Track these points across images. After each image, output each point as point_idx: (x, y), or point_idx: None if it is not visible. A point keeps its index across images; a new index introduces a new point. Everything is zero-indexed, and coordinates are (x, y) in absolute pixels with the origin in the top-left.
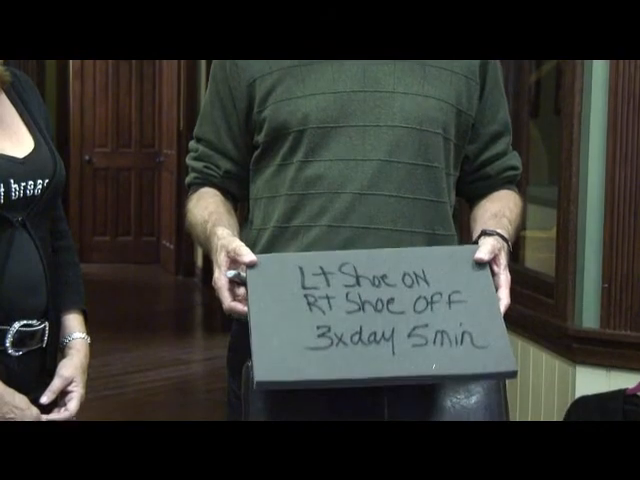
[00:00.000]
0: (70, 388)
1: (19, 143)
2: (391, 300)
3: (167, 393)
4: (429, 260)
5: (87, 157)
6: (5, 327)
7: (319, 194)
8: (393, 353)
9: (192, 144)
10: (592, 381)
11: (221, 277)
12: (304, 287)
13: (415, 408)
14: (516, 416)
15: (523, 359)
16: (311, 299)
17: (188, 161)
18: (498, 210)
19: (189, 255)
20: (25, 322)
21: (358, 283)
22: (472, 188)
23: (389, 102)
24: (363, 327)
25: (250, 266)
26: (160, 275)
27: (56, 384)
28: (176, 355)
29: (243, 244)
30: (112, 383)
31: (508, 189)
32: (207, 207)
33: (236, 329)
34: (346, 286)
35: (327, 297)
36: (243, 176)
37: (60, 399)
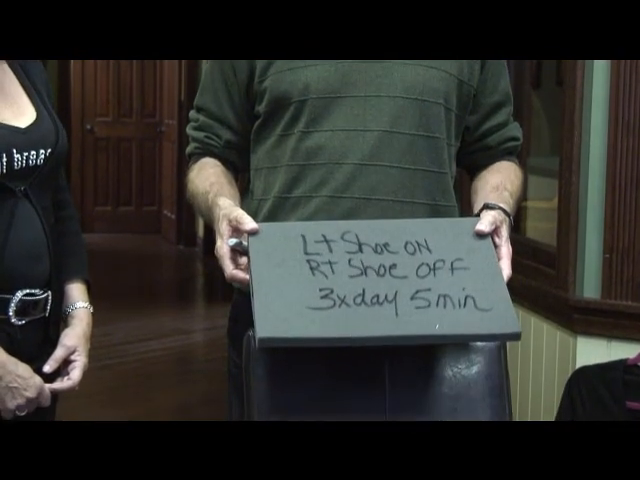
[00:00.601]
0: (73, 357)
1: (21, 113)
2: (393, 266)
3: (168, 362)
4: (431, 230)
5: (88, 126)
6: (8, 296)
7: (320, 165)
8: (396, 314)
9: (192, 114)
10: (593, 351)
11: (223, 246)
12: (306, 253)
13: (416, 378)
14: (516, 386)
15: (524, 329)
16: (314, 264)
17: (189, 131)
18: (499, 183)
19: (190, 225)
20: (28, 291)
21: (360, 250)
22: (472, 159)
23: (390, 72)
24: (366, 290)
25: (252, 234)
26: (161, 245)
27: (59, 353)
28: (177, 325)
29: (245, 213)
30: (113, 352)
31: (508, 160)
32: (208, 178)
33: (237, 299)
34: (348, 253)
35: (329, 262)
36: (244, 146)
37: (63, 368)
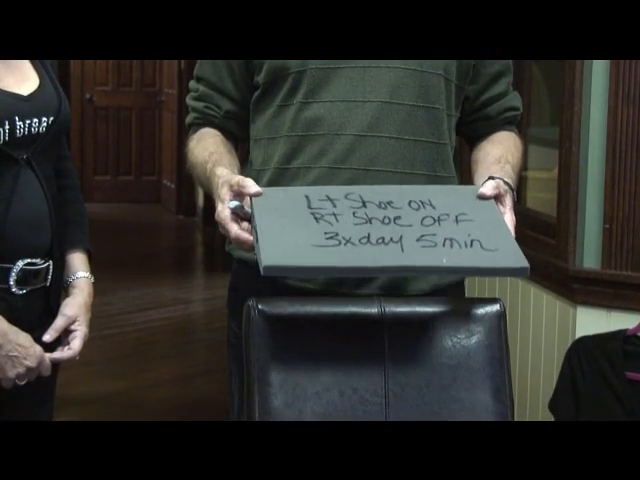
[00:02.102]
0: (73, 327)
1: (23, 80)
2: (398, 217)
3: (168, 332)
4: (434, 192)
5: (88, 96)
6: (9, 265)
7: (319, 135)
8: (402, 250)
9: (192, 84)
10: (592, 322)
11: (224, 209)
12: (310, 207)
13: (415, 347)
14: (516, 356)
15: (524, 299)
16: (318, 215)
17: (188, 101)
18: (501, 155)
19: (190, 195)
20: (29, 260)
21: (364, 206)
22: (472, 128)
23: None
24: (371, 233)
25: (255, 196)
26: (161, 215)
27: (59, 323)
28: (177, 294)
29: (246, 177)
30: (113, 322)
31: (508, 130)
32: (207, 147)
33: (236, 269)
34: (352, 208)
35: (334, 214)
36: (243, 116)
37: (64, 338)
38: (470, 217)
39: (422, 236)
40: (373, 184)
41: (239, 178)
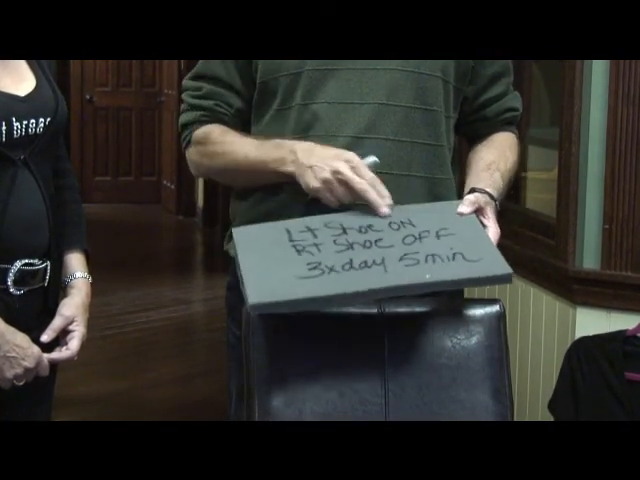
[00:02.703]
0: (71, 327)
1: (20, 81)
2: (379, 240)
3: (168, 332)
4: (413, 211)
5: (88, 96)
6: (7, 266)
7: (316, 137)
8: (385, 271)
9: (190, 83)
10: (592, 322)
11: (362, 166)
12: (291, 240)
13: (415, 347)
14: (516, 357)
15: (523, 300)
16: (299, 247)
17: (190, 100)
18: (492, 161)
19: (190, 195)
20: (27, 261)
21: (345, 232)
22: (471, 129)
23: None
24: (353, 259)
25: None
26: (161, 215)
27: (57, 323)
28: (177, 295)
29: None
30: (113, 323)
31: (507, 131)
32: (245, 137)
33: (234, 268)
34: (333, 235)
35: (315, 245)
36: (249, 116)
37: (62, 338)
38: (451, 231)
39: (405, 255)
40: None
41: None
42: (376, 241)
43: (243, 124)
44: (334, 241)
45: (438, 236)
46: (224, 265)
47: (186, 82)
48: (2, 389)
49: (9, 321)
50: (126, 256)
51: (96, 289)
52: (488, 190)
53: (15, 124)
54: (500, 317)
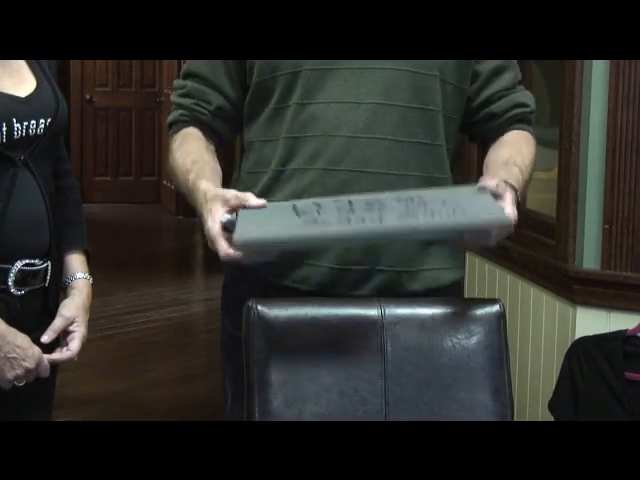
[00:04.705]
0: (72, 328)
1: (21, 82)
2: (382, 206)
3: (168, 333)
4: (425, 191)
5: (88, 96)
6: (7, 266)
7: (314, 137)
8: (380, 222)
9: (178, 82)
10: (592, 322)
11: (214, 225)
12: (295, 209)
13: (415, 348)
14: (516, 357)
15: (523, 300)
16: (301, 212)
17: (174, 99)
18: (509, 157)
19: None
20: (27, 261)
21: (350, 203)
22: (481, 130)
23: None
24: (352, 218)
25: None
26: (161, 215)
27: (57, 323)
28: (177, 295)
29: (245, 192)
30: (113, 323)
31: (520, 129)
32: (190, 153)
33: (228, 268)
34: (337, 204)
35: (318, 210)
36: (233, 116)
37: (62, 339)
38: (459, 200)
39: (405, 212)
40: (367, 185)
41: (236, 193)
42: (379, 207)
43: (226, 121)
44: (337, 208)
45: (444, 202)
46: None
47: (175, 81)
48: (2, 390)
49: (10, 322)
50: (126, 256)
51: (96, 289)
52: (510, 181)
53: (15, 125)
54: (500, 317)
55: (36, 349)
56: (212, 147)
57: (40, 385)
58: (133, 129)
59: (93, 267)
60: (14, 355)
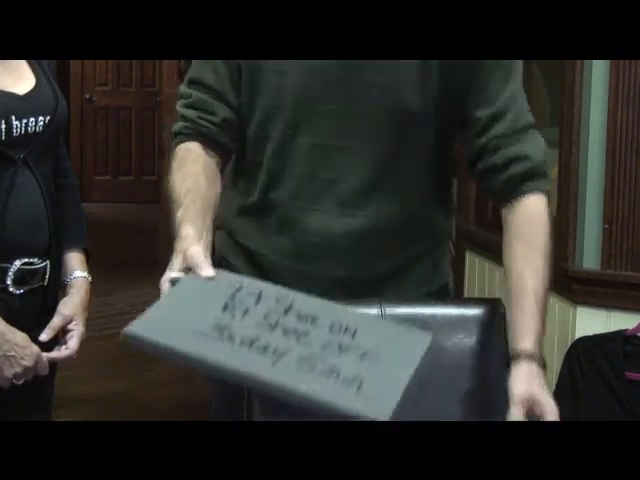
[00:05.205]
0: (70, 326)
1: (20, 79)
2: (305, 334)
3: None
4: (369, 324)
5: (88, 96)
6: (6, 265)
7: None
8: (273, 364)
9: (184, 89)
10: (592, 322)
11: (163, 282)
12: (231, 298)
13: None
14: None
15: None
16: (230, 306)
17: (179, 108)
18: (530, 291)
19: None
20: (26, 260)
21: (285, 314)
22: (485, 186)
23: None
24: (260, 339)
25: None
26: (161, 215)
27: (56, 322)
28: None
29: (202, 253)
30: (113, 322)
31: (533, 200)
32: (186, 179)
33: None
34: (271, 310)
35: (247, 310)
36: (239, 125)
37: (61, 337)
38: (383, 359)
39: (309, 358)
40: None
41: (195, 253)
42: (300, 335)
43: (232, 131)
44: (264, 315)
45: (362, 357)
46: (222, 266)
47: (180, 88)
48: (1, 388)
49: (9, 320)
50: (126, 256)
51: (96, 289)
52: (533, 351)
53: (15, 122)
54: (500, 317)
55: (35, 347)
56: (213, 163)
57: (39, 385)
58: (133, 128)
59: (93, 267)
60: (13, 353)
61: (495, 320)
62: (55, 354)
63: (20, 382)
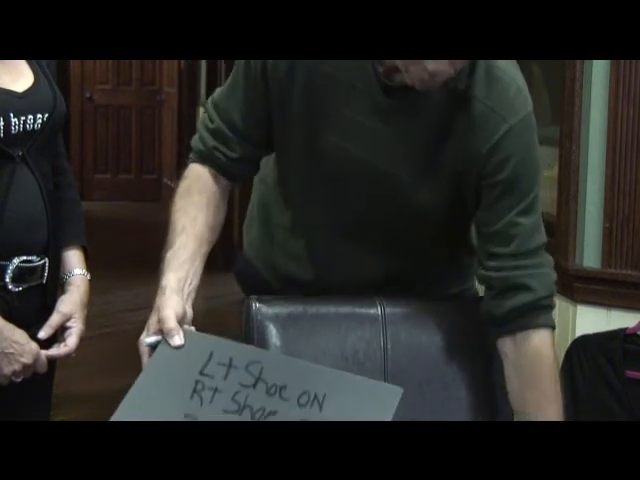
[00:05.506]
0: (69, 324)
1: (18, 77)
2: (273, 413)
3: None
4: (341, 388)
5: (88, 94)
6: (5, 262)
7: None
8: None
9: (209, 109)
10: (592, 320)
11: (142, 344)
12: (201, 373)
13: (415, 347)
14: None
15: None
16: (199, 387)
17: (200, 126)
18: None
19: None
20: (25, 258)
21: (253, 387)
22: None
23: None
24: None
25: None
26: (161, 213)
27: (55, 319)
28: None
29: (174, 317)
30: (112, 320)
31: (534, 329)
32: (186, 213)
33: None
34: (241, 384)
35: (216, 390)
36: (258, 158)
37: (60, 335)
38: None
39: None
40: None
41: (167, 318)
42: (268, 414)
43: (247, 165)
44: (234, 394)
45: None
46: (224, 263)
47: (209, 102)
48: (0, 387)
49: (7, 318)
50: (126, 254)
51: (95, 287)
52: None
53: (13, 120)
54: None
55: (33, 345)
56: (220, 191)
57: (38, 383)
58: (133, 127)
59: (92, 265)
60: (11, 350)
61: None
62: (54, 352)
63: (19, 379)
